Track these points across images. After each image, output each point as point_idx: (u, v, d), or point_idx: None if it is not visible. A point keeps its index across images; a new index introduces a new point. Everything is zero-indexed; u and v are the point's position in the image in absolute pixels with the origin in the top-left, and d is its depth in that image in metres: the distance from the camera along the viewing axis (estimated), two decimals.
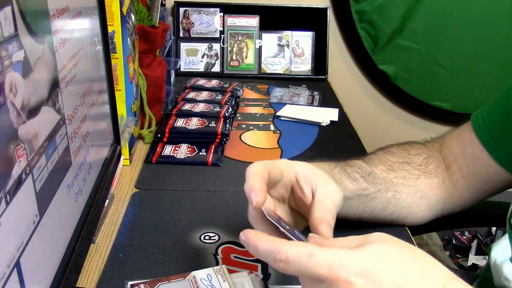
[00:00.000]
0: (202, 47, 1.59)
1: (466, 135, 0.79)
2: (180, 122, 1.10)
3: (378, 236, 0.46)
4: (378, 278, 0.42)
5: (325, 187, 0.59)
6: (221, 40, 1.60)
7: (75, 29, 0.61)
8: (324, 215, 0.56)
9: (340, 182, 0.69)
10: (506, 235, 0.67)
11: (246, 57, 1.61)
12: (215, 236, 0.77)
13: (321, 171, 0.62)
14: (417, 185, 0.77)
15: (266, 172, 0.57)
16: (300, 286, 0.61)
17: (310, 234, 0.52)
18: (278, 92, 1.44)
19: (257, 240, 0.49)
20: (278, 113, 1.28)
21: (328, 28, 1.62)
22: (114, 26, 0.90)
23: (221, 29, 1.60)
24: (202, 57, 1.59)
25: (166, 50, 1.34)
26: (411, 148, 0.81)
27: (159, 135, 1.06)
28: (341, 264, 0.43)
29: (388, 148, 0.81)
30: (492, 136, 0.75)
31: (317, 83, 1.57)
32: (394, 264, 0.43)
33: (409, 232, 0.80)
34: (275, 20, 1.61)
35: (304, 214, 0.61)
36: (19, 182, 0.41)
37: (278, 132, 1.18)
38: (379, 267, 0.42)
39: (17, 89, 0.41)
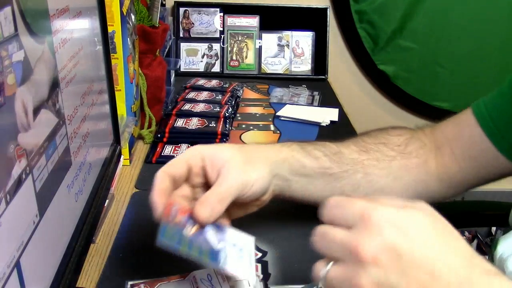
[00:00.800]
0: (202, 47, 1.59)
1: (463, 118, 0.77)
2: (180, 122, 1.10)
3: (421, 204, 0.45)
4: (409, 231, 0.42)
5: (228, 170, 0.59)
6: (221, 40, 1.60)
7: (75, 29, 0.61)
8: (208, 197, 0.57)
9: (295, 162, 0.69)
10: None
11: (246, 57, 1.61)
12: None
13: (231, 155, 0.61)
14: (390, 167, 0.75)
15: (166, 181, 0.58)
16: (301, 286, 0.62)
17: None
18: (278, 92, 1.44)
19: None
20: (278, 113, 1.28)
21: (328, 28, 1.62)
22: (114, 26, 0.90)
23: (221, 29, 1.60)
24: (202, 57, 1.59)
25: (166, 50, 1.34)
26: (394, 130, 0.79)
27: (159, 135, 1.06)
28: (376, 208, 0.43)
29: (370, 131, 0.79)
30: (496, 125, 0.74)
31: (317, 83, 1.57)
32: (424, 228, 0.43)
33: None
34: (275, 20, 1.61)
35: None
36: (19, 182, 0.41)
37: (278, 132, 1.18)
38: (411, 225, 0.43)
39: (17, 89, 0.41)
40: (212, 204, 0.57)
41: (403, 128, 0.80)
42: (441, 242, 0.43)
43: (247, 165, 0.62)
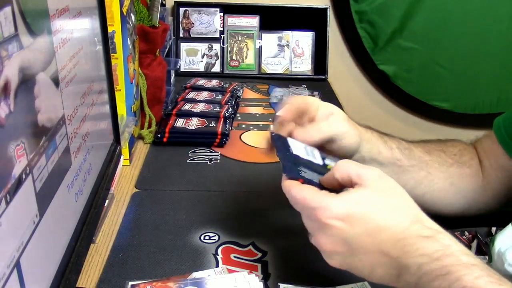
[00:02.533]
0: (202, 47, 1.59)
1: (492, 133, 0.82)
2: (180, 122, 1.10)
3: (368, 178, 0.54)
4: (354, 221, 0.51)
5: (334, 118, 0.68)
6: (221, 40, 1.60)
7: (75, 29, 0.61)
8: (309, 128, 0.67)
9: (374, 146, 0.74)
10: (509, 226, 0.69)
11: (246, 57, 1.61)
12: (215, 236, 0.77)
13: (339, 111, 0.70)
14: (449, 172, 0.80)
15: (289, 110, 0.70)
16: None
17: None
18: (278, 92, 1.44)
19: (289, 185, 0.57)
20: (278, 113, 1.28)
21: (328, 28, 1.62)
22: (114, 26, 0.90)
23: (221, 29, 1.60)
24: (202, 57, 1.59)
25: (166, 50, 1.34)
26: (448, 141, 0.86)
27: (159, 135, 1.06)
28: (324, 208, 0.52)
29: (428, 140, 0.86)
30: (508, 133, 0.79)
31: (317, 83, 1.57)
32: (367, 208, 0.52)
33: None
34: (275, 20, 1.61)
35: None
36: (19, 182, 0.41)
37: None
38: (355, 212, 0.51)
39: (17, 89, 0.41)
40: (310, 132, 0.66)
41: (455, 140, 0.87)
42: (382, 219, 0.51)
43: (348, 121, 0.70)
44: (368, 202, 0.52)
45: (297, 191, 0.55)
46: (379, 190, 0.54)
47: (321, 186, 0.56)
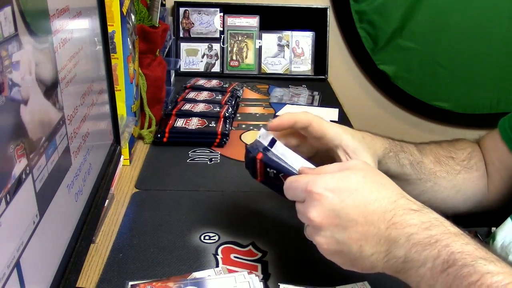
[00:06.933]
0: (202, 47, 1.59)
1: (496, 132, 0.83)
2: (180, 122, 1.10)
3: (353, 164, 0.59)
4: (344, 194, 0.54)
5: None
6: (221, 40, 1.60)
7: (75, 29, 0.61)
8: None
9: (383, 162, 0.74)
10: (508, 220, 0.70)
11: (246, 57, 1.61)
12: (215, 236, 0.77)
13: (364, 146, 0.70)
14: (456, 180, 0.82)
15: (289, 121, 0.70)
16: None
17: (300, 168, 0.62)
18: (278, 92, 1.44)
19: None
20: (278, 113, 1.28)
21: (328, 28, 1.62)
22: (114, 26, 0.90)
23: (221, 29, 1.60)
24: (202, 57, 1.59)
25: (166, 50, 1.34)
26: (458, 143, 0.86)
27: (159, 135, 1.06)
28: (315, 181, 0.55)
29: (440, 142, 0.86)
30: None
31: (317, 83, 1.57)
32: (355, 185, 0.55)
33: None
34: (275, 20, 1.61)
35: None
36: (19, 182, 0.41)
37: None
38: (344, 186, 0.55)
39: (17, 88, 0.41)
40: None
41: (464, 140, 0.87)
42: (369, 194, 0.54)
43: (369, 156, 0.70)
44: (356, 179, 0.55)
45: (291, 177, 0.60)
46: (366, 171, 0.57)
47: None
